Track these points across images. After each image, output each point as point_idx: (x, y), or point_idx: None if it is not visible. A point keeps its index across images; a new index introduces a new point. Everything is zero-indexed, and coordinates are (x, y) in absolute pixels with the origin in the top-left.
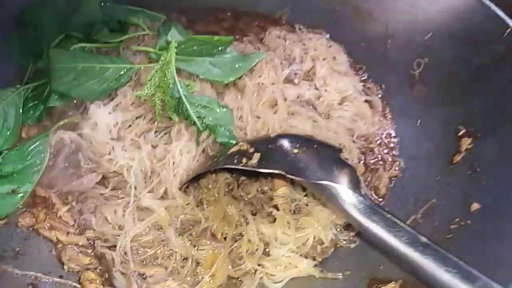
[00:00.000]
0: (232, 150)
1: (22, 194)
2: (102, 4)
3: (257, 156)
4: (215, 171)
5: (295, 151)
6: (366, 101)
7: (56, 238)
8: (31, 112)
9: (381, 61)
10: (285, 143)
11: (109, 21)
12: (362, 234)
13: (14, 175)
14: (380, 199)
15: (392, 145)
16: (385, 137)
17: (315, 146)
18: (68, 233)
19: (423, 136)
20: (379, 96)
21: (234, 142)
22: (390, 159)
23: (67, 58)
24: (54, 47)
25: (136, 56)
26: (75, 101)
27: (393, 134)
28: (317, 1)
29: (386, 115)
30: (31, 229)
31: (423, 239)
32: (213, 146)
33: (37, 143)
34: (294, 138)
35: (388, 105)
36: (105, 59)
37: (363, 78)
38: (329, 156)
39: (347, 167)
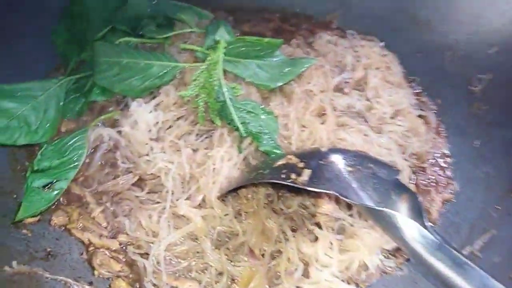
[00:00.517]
0: (279, 163)
1: (57, 191)
2: None
3: (307, 173)
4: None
5: (349, 169)
6: (420, 116)
7: (89, 240)
8: (72, 105)
9: (438, 74)
10: (338, 160)
11: (156, 16)
12: (414, 264)
13: (51, 170)
14: (431, 224)
15: (446, 165)
16: (439, 157)
17: (371, 165)
18: (101, 235)
19: (481, 158)
20: (434, 111)
21: (278, 151)
22: (443, 181)
23: (112, 52)
24: (99, 40)
25: (182, 54)
26: (116, 97)
27: (448, 154)
28: (371, 6)
29: (441, 132)
30: (63, 228)
31: (498, 285)
32: (255, 155)
33: (76, 138)
34: (348, 155)
35: (443, 122)
36: (150, 56)
37: (416, 91)
38: (387, 178)
39: (408, 192)
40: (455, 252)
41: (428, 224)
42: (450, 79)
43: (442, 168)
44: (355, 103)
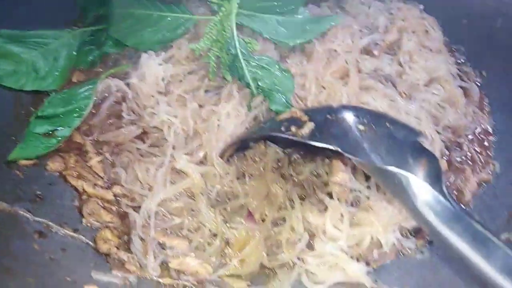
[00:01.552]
0: (282, 116)
1: (59, 138)
2: None
3: (310, 125)
4: (265, 143)
5: (361, 127)
6: (460, 87)
7: (82, 188)
8: (85, 56)
9: (486, 43)
10: (349, 117)
11: None
12: (436, 244)
13: (55, 117)
14: (463, 206)
15: (486, 143)
16: (480, 133)
17: (388, 125)
18: (95, 185)
19: None
20: (478, 84)
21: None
22: (482, 160)
23: (127, 3)
24: None
25: (198, 8)
26: (130, 51)
27: (490, 131)
28: None
29: (484, 107)
30: (58, 174)
31: None
32: (266, 114)
33: (85, 88)
34: (362, 112)
35: (488, 96)
36: (164, 7)
37: (459, 61)
38: (404, 139)
39: (427, 155)
40: (476, 225)
41: (447, 191)
42: (499, 49)
43: (482, 145)
44: (384, 66)
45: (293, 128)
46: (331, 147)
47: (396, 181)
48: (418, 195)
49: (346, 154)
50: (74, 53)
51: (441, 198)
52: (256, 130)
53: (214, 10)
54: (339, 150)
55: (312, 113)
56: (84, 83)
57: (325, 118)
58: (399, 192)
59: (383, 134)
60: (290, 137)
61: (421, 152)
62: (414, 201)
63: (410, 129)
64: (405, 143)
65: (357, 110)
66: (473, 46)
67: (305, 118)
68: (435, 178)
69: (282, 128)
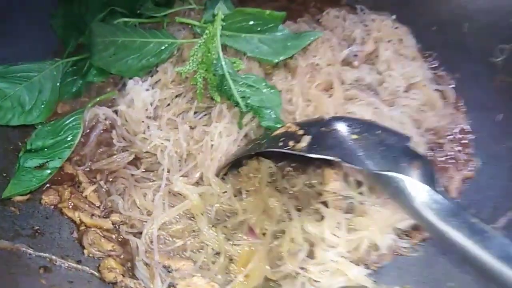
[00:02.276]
0: (277, 132)
1: (50, 171)
2: None
3: (307, 139)
4: (257, 159)
5: (354, 136)
6: (437, 90)
7: (80, 220)
8: (69, 87)
9: (456, 47)
10: (342, 128)
11: None
12: (430, 242)
13: (45, 149)
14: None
15: (466, 141)
16: (458, 132)
17: (378, 132)
18: (92, 215)
19: (504, 134)
20: (452, 86)
21: (278, 125)
22: (463, 158)
23: (108, 32)
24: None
25: (180, 32)
26: (114, 78)
27: (468, 130)
28: None
29: (460, 107)
30: (54, 208)
31: None
32: (257, 131)
33: (72, 118)
34: (353, 122)
35: (463, 97)
36: (146, 33)
37: (433, 66)
38: (396, 144)
39: (419, 158)
40: (472, 217)
41: (441, 189)
42: (469, 51)
43: (461, 144)
44: (365, 76)
45: (291, 143)
46: (331, 158)
47: (393, 185)
48: (416, 196)
49: (344, 163)
50: (58, 84)
51: (437, 196)
52: (254, 147)
53: (196, 32)
54: (339, 160)
55: (306, 126)
56: (70, 113)
57: (319, 131)
58: (397, 195)
59: (375, 142)
60: (290, 151)
61: (413, 155)
62: (412, 201)
63: (400, 135)
64: (397, 148)
65: (348, 120)
66: (444, 51)
67: (300, 132)
68: (429, 178)
69: (280, 144)
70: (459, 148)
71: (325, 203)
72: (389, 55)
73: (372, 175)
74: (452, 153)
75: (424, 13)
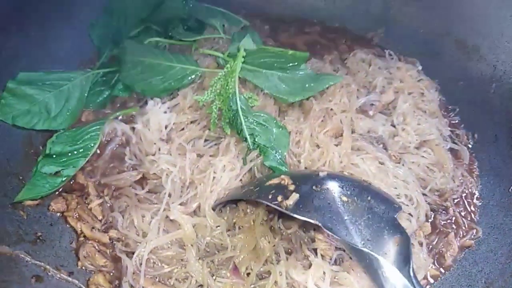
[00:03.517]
0: (271, 182)
1: (63, 178)
2: (185, 1)
3: (294, 197)
4: None
5: (344, 199)
6: (451, 149)
7: (81, 230)
8: (96, 97)
9: (480, 106)
10: (334, 188)
11: (188, 18)
12: None
13: (62, 156)
14: (443, 271)
15: (472, 208)
16: (466, 197)
17: (369, 198)
18: (93, 228)
19: None
20: (469, 146)
21: (284, 169)
22: (466, 225)
23: (138, 51)
24: (132, 38)
25: (206, 59)
26: (138, 94)
27: (477, 195)
28: (417, 27)
29: (473, 170)
30: (59, 215)
31: None
32: (261, 168)
33: (92, 129)
34: (347, 183)
35: (478, 160)
36: (172, 57)
37: (453, 122)
38: (383, 214)
39: (401, 234)
40: None
41: (414, 274)
42: (492, 113)
43: (467, 210)
44: (378, 127)
45: (279, 198)
46: (312, 221)
47: (368, 261)
48: (388, 278)
49: (325, 230)
50: (86, 94)
51: (408, 284)
52: (246, 193)
53: (219, 62)
54: (320, 225)
55: (299, 181)
56: (92, 123)
57: (310, 189)
58: (371, 271)
59: (364, 208)
60: (276, 207)
61: (396, 230)
62: (383, 282)
63: (389, 204)
64: (383, 218)
65: (343, 181)
66: (467, 107)
67: (291, 187)
68: (404, 260)
69: (270, 196)
70: (464, 213)
71: (316, 250)
72: (407, 108)
73: (350, 247)
74: (455, 218)
75: (453, 66)
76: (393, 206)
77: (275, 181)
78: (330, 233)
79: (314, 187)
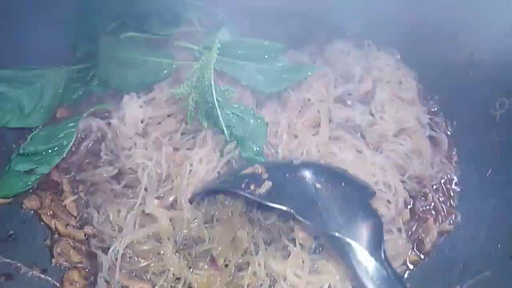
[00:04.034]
0: (245, 171)
1: (38, 176)
2: None
3: (267, 185)
4: None
5: (317, 185)
6: (430, 136)
7: (55, 227)
8: (71, 93)
9: (458, 93)
10: (307, 175)
11: (164, 12)
12: None
13: (36, 155)
14: (422, 256)
15: (451, 193)
16: (445, 183)
17: (343, 184)
18: (67, 224)
19: (491, 190)
20: (448, 133)
21: (260, 159)
22: (445, 210)
23: (113, 46)
24: (107, 33)
25: (182, 52)
26: (114, 90)
27: (455, 181)
28: (395, 17)
29: (452, 157)
30: (33, 212)
31: None
32: (239, 160)
33: (67, 125)
34: (320, 171)
35: (456, 146)
36: (147, 51)
37: (432, 110)
38: (357, 200)
39: (373, 218)
40: None
41: (385, 257)
42: (470, 100)
43: (446, 195)
44: (355, 116)
45: (252, 186)
46: (284, 208)
47: (340, 246)
48: (360, 262)
49: (297, 216)
50: (60, 91)
51: (380, 266)
52: (220, 185)
53: (195, 55)
54: (292, 211)
55: (273, 170)
56: (67, 119)
57: (284, 177)
58: (342, 256)
59: (337, 194)
60: (248, 195)
61: (370, 214)
62: (355, 266)
63: (364, 189)
64: (357, 204)
65: (316, 168)
66: (446, 95)
67: (265, 175)
68: (377, 243)
69: (243, 185)
70: (443, 199)
71: (295, 240)
72: (385, 96)
73: (323, 232)
74: (434, 204)
75: (431, 54)
76: (367, 191)
77: (249, 170)
78: (302, 219)
79: (287, 175)
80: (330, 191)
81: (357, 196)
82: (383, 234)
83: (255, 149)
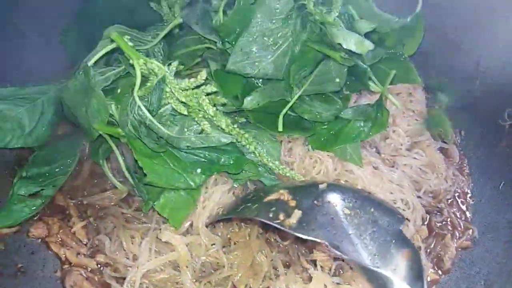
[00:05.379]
0: (269, 197)
1: (43, 200)
2: None
3: (297, 214)
4: None
5: (347, 212)
6: (441, 148)
7: (65, 257)
8: None
9: (465, 103)
10: (336, 201)
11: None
12: None
13: (39, 176)
14: (442, 275)
15: (465, 207)
16: (459, 196)
17: (372, 210)
18: (78, 253)
19: (505, 203)
20: (457, 144)
21: (274, 183)
22: (461, 225)
23: None
24: None
25: None
26: None
27: (469, 194)
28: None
29: (463, 169)
30: (40, 241)
31: None
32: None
33: (69, 143)
34: (348, 195)
35: (467, 157)
36: None
37: None
38: (388, 227)
39: (409, 248)
40: None
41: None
42: (477, 110)
43: (461, 210)
44: None
45: (281, 216)
46: (318, 240)
47: (380, 281)
48: None
49: (332, 250)
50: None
51: None
52: (243, 211)
53: None
54: (327, 244)
55: (299, 196)
56: (68, 136)
57: (312, 204)
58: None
59: (367, 220)
60: (279, 226)
61: (403, 243)
62: None
63: (393, 215)
64: (388, 231)
65: (344, 193)
66: (453, 105)
67: (292, 203)
68: (417, 274)
69: (271, 215)
70: (459, 213)
71: (314, 262)
72: (396, 109)
73: (360, 266)
74: (450, 219)
75: (437, 62)
76: (397, 217)
77: (273, 196)
78: (337, 252)
79: (315, 202)
80: (360, 218)
81: (387, 222)
82: (422, 264)
83: (269, 172)
